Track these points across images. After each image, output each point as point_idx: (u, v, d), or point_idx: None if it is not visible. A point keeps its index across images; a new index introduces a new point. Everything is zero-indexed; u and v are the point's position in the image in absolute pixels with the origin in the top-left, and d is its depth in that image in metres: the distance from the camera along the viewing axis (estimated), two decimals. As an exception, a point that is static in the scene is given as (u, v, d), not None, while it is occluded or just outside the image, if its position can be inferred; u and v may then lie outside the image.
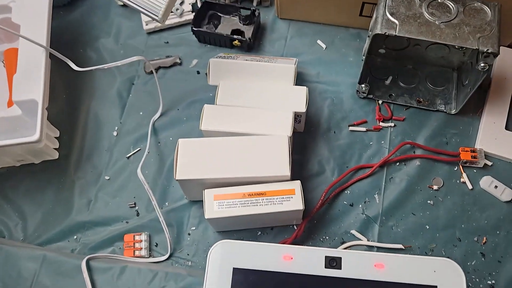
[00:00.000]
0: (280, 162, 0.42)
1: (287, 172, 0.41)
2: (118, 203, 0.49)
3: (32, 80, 0.47)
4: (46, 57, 0.47)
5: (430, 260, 0.37)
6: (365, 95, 0.51)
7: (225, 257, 0.38)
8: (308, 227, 0.46)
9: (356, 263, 0.37)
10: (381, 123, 0.50)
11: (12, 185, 0.50)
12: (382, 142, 0.49)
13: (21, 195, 0.50)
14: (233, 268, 0.38)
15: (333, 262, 0.38)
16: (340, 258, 0.38)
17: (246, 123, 0.45)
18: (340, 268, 0.37)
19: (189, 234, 0.47)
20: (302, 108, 0.45)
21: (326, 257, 0.38)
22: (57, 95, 0.54)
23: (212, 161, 0.42)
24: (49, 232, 0.47)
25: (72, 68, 0.49)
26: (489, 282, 0.43)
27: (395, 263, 0.37)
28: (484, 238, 0.45)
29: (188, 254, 0.46)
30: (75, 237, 0.47)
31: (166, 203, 0.48)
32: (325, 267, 0.37)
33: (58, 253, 0.44)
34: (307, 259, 0.38)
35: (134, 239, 0.46)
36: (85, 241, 0.47)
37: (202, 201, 0.42)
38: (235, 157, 0.43)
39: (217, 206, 0.41)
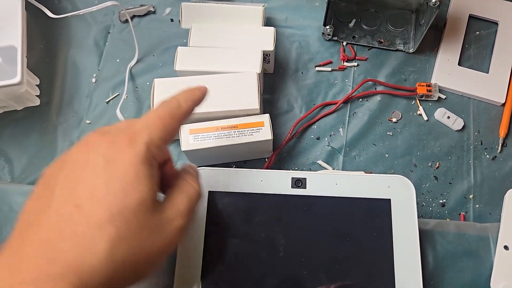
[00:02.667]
0: (250, 97, 0.45)
1: (256, 105, 0.45)
2: (100, 145, 0.51)
3: (10, 27, 0.48)
4: (22, 5, 0.49)
5: (385, 177, 0.41)
6: (330, 37, 0.54)
7: (202, 182, 0.42)
8: (278, 159, 0.50)
9: (319, 182, 0.41)
10: (345, 63, 0.54)
11: (-4, 132, 0.52)
12: (346, 80, 0.53)
13: (6, 141, 0.52)
14: (208, 191, 0.42)
15: (298, 183, 0.42)
16: (305, 178, 0.42)
17: (218, 62, 0.47)
18: (305, 187, 0.41)
19: (168, 170, 0.50)
20: (270, 47, 0.48)
21: (292, 178, 0.42)
22: (35, 45, 0.55)
23: (187, 98, 0.45)
24: (35, 174, 0.50)
25: (49, 17, 0.51)
26: (441, 201, 0.48)
27: (354, 181, 0.41)
28: (437, 163, 0.49)
29: (168, 188, 0.49)
30: (60, 177, 0.50)
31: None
32: (292, 187, 0.41)
33: (46, 188, 0.47)
34: (275, 181, 0.42)
35: (116, 175, 0.49)
36: (70, 180, 0.50)
37: (179, 138, 0.45)
38: (208, 93, 0.46)
39: (192, 139, 0.45)
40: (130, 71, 0.54)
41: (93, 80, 0.54)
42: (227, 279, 0.39)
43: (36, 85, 0.53)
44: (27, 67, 0.51)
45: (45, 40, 0.56)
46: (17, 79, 0.45)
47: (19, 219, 0.27)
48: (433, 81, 0.52)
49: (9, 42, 0.48)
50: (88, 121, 0.52)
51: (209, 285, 0.38)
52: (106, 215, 0.25)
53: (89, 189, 0.26)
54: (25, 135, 0.52)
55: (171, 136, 0.30)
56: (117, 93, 0.53)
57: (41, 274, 0.24)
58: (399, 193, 0.41)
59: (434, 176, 0.49)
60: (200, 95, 0.33)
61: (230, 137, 0.45)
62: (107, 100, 0.53)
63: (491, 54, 0.53)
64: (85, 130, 0.52)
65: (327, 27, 0.52)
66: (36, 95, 0.53)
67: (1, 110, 0.52)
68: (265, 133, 0.45)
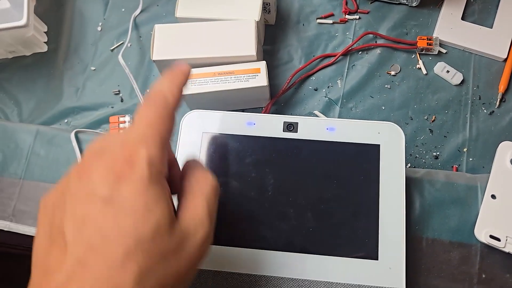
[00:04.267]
0: (247, 44, 0.46)
1: (253, 52, 0.45)
2: (104, 91, 0.53)
3: (18, -28, 0.50)
4: (29, -49, 0.50)
5: (375, 123, 0.42)
6: (333, -11, 0.54)
7: (196, 124, 0.43)
8: (276, 108, 0.51)
9: (311, 127, 0.42)
10: (347, 16, 0.53)
11: (6, 77, 0.54)
12: (347, 33, 0.53)
13: (15, 85, 0.54)
14: (203, 132, 0.43)
15: (290, 127, 0.43)
16: (297, 123, 0.43)
17: (218, 10, 0.48)
18: (296, 131, 0.42)
19: (168, 117, 0.51)
20: (270, -5, 0.49)
21: (284, 122, 0.43)
22: (43, -7, 0.57)
23: (186, 44, 0.46)
24: (42, 117, 0.52)
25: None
26: (434, 153, 0.48)
27: (344, 126, 0.42)
28: (434, 116, 0.49)
29: (167, 134, 0.51)
30: (65, 120, 0.52)
31: (147, 90, 0.53)
32: (283, 131, 0.42)
33: (50, 128, 0.49)
34: (268, 124, 0.43)
35: (118, 120, 0.51)
36: (75, 124, 0.52)
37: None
38: (207, 40, 0.47)
39: (190, 84, 0.46)
40: (135, 20, 0.55)
41: (99, 28, 0.56)
42: (217, 218, 0.41)
43: (44, 32, 0.55)
44: (35, 14, 0.52)
45: (53, -11, 0.57)
46: (23, 21, 0.47)
47: (34, 263, 0.25)
48: (434, 35, 0.51)
49: (17, -13, 0.50)
50: (93, 68, 0.54)
51: (200, 220, 0.40)
52: (123, 253, 0.23)
53: (98, 227, 0.23)
54: (33, 80, 0.54)
55: (169, 138, 0.27)
56: (122, 41, 0.55)
57: None
58: (389, 139, 0.41)
59: (430, 129, 0.49)
60: (183, 78, 0.29)
61: (226, 82, 0.46)
62: (111, 48, 0.55)
63: (497, 9, 0.52)
64: (89, 77, 0.54)
65: (330, -22, 0.52)
66: (44, 42, 0.55)
67: (10, 55, 0.54)
68: (261, 80, 0.46)
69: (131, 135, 0.26)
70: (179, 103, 0.28)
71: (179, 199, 0.28)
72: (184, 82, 0.29)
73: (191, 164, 0.30)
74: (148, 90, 0.52)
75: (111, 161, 0.25)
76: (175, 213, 0.27)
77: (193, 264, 0.26)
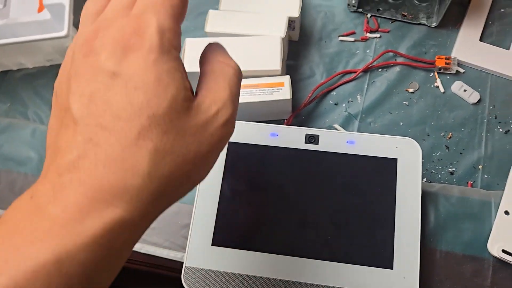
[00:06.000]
0: (272, 59, 0.48)
1: (278, 67, 0.48)
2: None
3: (59, -14, 0.53)
4: (71, -34, 0.54)
5: (393, 138, 0.44)
6: (355, 8, 0.56)
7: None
8: (297, 121, 0.53)
9: (331, 139, 0.44)
10: (368, 34, 0.56)
11: (43, 83, 0.58)
12: (368, 51, 0.55)
13: (51, 92, 0.57)
14: (229, 141, 0.45)
15: (312, 139, 0.45)
16: (318, 135, 0.45)
17: (245, 26, 0.51)
18: (317, 143, 0.45)
19: (194, 125, 0.54)
20: (296, 13, 0.51)
21: (306, 134, 0.45)
22: (82, 7, 0.60)
23: (214, 57, 0.49)
24: (76, 122, 0.55)
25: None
26: (450, 169, 0.50)
27: (364, 140, 0.44)
28: (450, 133, 0.51)
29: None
30: (97, 126, 0.55)
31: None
32: (305, 143, 0.45)
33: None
34: (290, 136, 0.45)
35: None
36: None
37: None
38: (235, 54, 0.48)
39: (217, 95, 0.48)
40: (165, 33, 0.58)
41: (131, 40, 0.59)
42: (240, 221, 0.43)
43: (80, 42, 0.58)
44: (73, 26, 0.56)
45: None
46: (64, 32, 0.50)
47: (47, 146, 0.25)
48: (453, 55, 0.53)
49: (59, 0, 0.53)
50: (124, 77, 0.57)
51: (223, 225, 0.42)
52: (137, 131, 0.21)
53: (108, 106, 0.22)
54: (68, 87, 0.57)
55: (183, 11, 0.25)
56: (152, 53, 0.58)
57: (85, 203, 0.21)
58: (406, 153, 0.43)
59: (446, 146, 0.51)
60: None
61: (251, 95, 0.48)
62: (142, 59, 0.58)
63: (514, 32, 0.54)
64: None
65: (353, -2, 0.55)
66: (80, 51, 0.58)
67: (48, 63, 0.58)
68: (285, 93, 0.48)
69: (139, 3, 0.23)
70: None
71: (199, 81, 0.26)
72: None
73: (212, 47, 0.28)
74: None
75: (118, 33, 0.22)
76: (194, 93, 0.25)
77: (215, 147, 0.25)
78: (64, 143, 0.22)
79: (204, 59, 0.28)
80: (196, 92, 0.25)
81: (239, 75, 0.27)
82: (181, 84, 0.23)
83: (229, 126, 0.25)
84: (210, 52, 0.28)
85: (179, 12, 0.24)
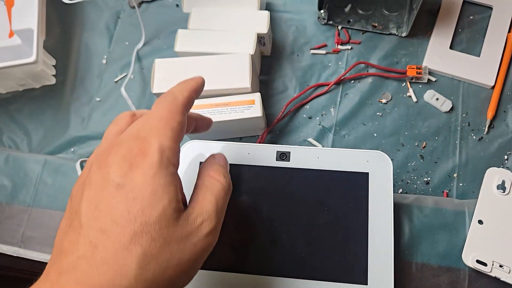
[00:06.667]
0: (242, 76, 0.48)
1: (247, 84, 0.48)
2: (108, 120, 0.54)
3: (28, 11, 0.53)
4: (39, -9, 0.54)
5: (364, 152, 0.44)
6: (325, 21, 0.56)
7: (193, 154, 0.45)
8: (271, 137, 0.53)
9: (302, 156, 0.44)
10: (339, 46, 0.56)
11: (17, 108, 0.57)
12: (340, 63, 0.55)
13: (25, 116, 0.57)
14: (200, 162, 0.45)
15: (283, 156, 0.45)
16: (289, 152, 0.44)
17: (215, 44, 0.51)
18: (289, 160, 0.44)
19: (169, 145, 0.54)
20: (264, 30, 0.51)
21: (277, 151, 0.45)
22: (52, 28, 0.60)
23: (184, 77, 0.48)
24: (50, 146, 0.55)
25: (64, 3, 0.55)
26: (425, 179, 0.50)
27: (334, 155, 0.44)
28: (424, 143, 0.51)
29: (168, 161, 0.53)
30: (72, 149, 0.55)
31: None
32: (276, 160, 0.44)
33: (57, 158, 0.52)
34: (261, 154, 0.45)
35: (122, 148, 0.53)
36: (81, 152, 0.55)
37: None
38: (205, 73, 0.49)
39: (188, 115, 0.48)
40: (137, 53, 0.58)
41: (104, 61, 0.59)
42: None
43: (53, 65, 0.58)
44: (45, 49, 0.56)
45: (62, 24, 0.61)
46: (32, 58, 0.50)
47: (54, 244, 0.28)
48: (424, 64, 0.53)
49: (28, 25, 0.53)
50: (98, 99, 0.57)
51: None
52: (130, 236, 0.25)
53: (110, 212, 0.25)
54: (42, 111, 0.57)
55: (181, 133, 0.29)
56: (125, 73, 0.58)
57: None
58: (377, 167, 0.43)
59: (420, 155, 0.50)
60: (195, 84, 0.32)
61: (222, 113, 0.48)
62: (115, 80, 0.58)
63: (484, 38, 0.54)
64: (95, 107, 0.56)
65: (322, 11, 0.55)
66: (53, 75, 0.58)
67: (21, 88, 0.58)
68: (256, 111, 0.48)
69: (144, 128, 0.28)
70: (190, 102, 0.31)
71: (192, 193, 0.30)
72: (194, 87, 0.32)
73: (207, 162, 0.33)
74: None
75: (126, 151, 0.27)
76: (186, 205, 0.29)
77: (196, 256, 0.27)
78: (68, 244, 0.26)
79: (199, 173, 0.32)
80: (188, 204, 0.29)
81: (227, 190, 0.31)
82: (173, 197, 0.27)
83: (211, 237, 0.28)
84: (204, 167, 0.33)
85: (178, 134, 0.29)
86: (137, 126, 0.29)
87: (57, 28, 0.60)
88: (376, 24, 0.56)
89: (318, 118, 0.53)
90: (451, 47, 0.54)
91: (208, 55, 0.50)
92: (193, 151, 0.45)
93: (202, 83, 0.33)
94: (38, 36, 0.51)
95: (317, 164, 0.44)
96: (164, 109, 0.29)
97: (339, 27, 0.56)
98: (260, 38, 0.52)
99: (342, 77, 0.54)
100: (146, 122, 0.28)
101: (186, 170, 0.45)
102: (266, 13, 0.52)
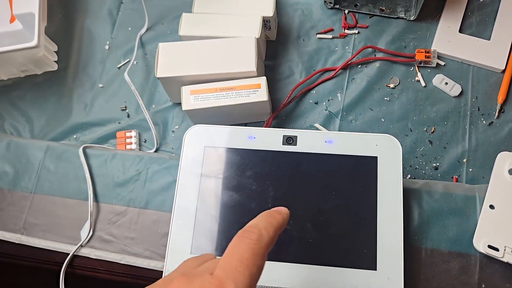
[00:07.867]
0: (247, 60, 0.47)
1: (253, 68, 0.47)
2: (111, 107, 0.55)
3: (30, -5, 0.52)
4: (40, -26, 0.53)
5: (372, 136, 0.43)
6: (332, 5, 0.55)
7: (198, 138, 0.45)
8: (277, 122, 0.52)
9: (309, 140, 0.43)
10: (346, 31, 0.55)
11: (19, 94, 0.57)
12: (347, 47, 0.54)
13: (27, 103, 0.56)
14: (205, 146, 0.44)
15: (290, 140, 0.44)
16: (296, 136, 0.44)
17: (219, 28, 0.50)
18: (295, 144, 0.43)
19: (173, 131, 0.53)
20: (270, 13, 0.50)
21: (284, 135, 0.44)
22: (55, 14, 0.59)
23: (189, 61, 0.48)
24: (52, 133, 0.54)
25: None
26: (434, 164, 0.49)
27: (342, 138, 0.43)
28: (433, 128, 0.50)
29: (172, 148, 0.52)
30: (74, 136, 0.54)
31: (153, 106, 0.54)
32: (283, 144, 0.44)
33: (60, 144, 0.51)
34: (267, 138, 0.44)
35: (125, 135, 0.53)
36: (83, 139, 0.54)
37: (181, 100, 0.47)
38: (209, 56, 0.48)
39: (193, 99, 0.47)
40: (141, 38, 0.57)
41: (106, 47, 0.58)
42: (219, 226, 0.42)
43: (55, 51, 0.57)
44: (46, 35, 0.55)
45: (64, 10, 0.60)
46: (34, 42, 0.49)
47: None
48: (432, 48, 0.52)
49: (29, 9, 0.52)
50: (101, 85, 0.56)
51: (202, 232, 0.41)
52: None
53: None
54: (44, 97, 0.56)
55: (258, 278, 0.27)
56: (128, 59, 0.57)
57: None
58: (386, 151, 0.42)
59: (429, 140, 0.50)
60: (281, 221, 0.30)
61: (227, 97, 0.47)
62: (118, 66, 0.57)
63: (494, 22, 0.53)
64: (97, 94, 0.56)
65: (329, -6, 0.54)
66: (54, 61, 0.57)
67: (23, 74, 0.57)
68: (261, 95, 0.47)
69: (224, 267, 0.27)
70: (273, 243, 0.29)
71: None
72: (281, 223, 0.30)
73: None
74: (153, 106, 0.54)
75: (201, 286, 0.26)
76: None
77: None
78: None
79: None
80: None
81: None
82: None
83: None
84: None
85: (255, 280, 0.27)
86: (215, 261, 0.28)
87: (59, 14, 0.59)
88: (384, 8, 0.54)
89: (324, 104, 0.52)
90: (460, 31, 0.53)
91: (212, 39, 0.49)
92: (198, 135, 0.45)
93: (287, 217, 0.31)
94: (40, 21, 0.51)
95: (324, 148, 0.43)
96: (247, 250, 0.27)
97: (346, 11, 0.55)
98: (265, 22, 0.51)
99: (349, 62, 0.53)
100: (226, 260, 0.27)
101: (192, 156, 0.44)
102: (272, -4, 0.51)
